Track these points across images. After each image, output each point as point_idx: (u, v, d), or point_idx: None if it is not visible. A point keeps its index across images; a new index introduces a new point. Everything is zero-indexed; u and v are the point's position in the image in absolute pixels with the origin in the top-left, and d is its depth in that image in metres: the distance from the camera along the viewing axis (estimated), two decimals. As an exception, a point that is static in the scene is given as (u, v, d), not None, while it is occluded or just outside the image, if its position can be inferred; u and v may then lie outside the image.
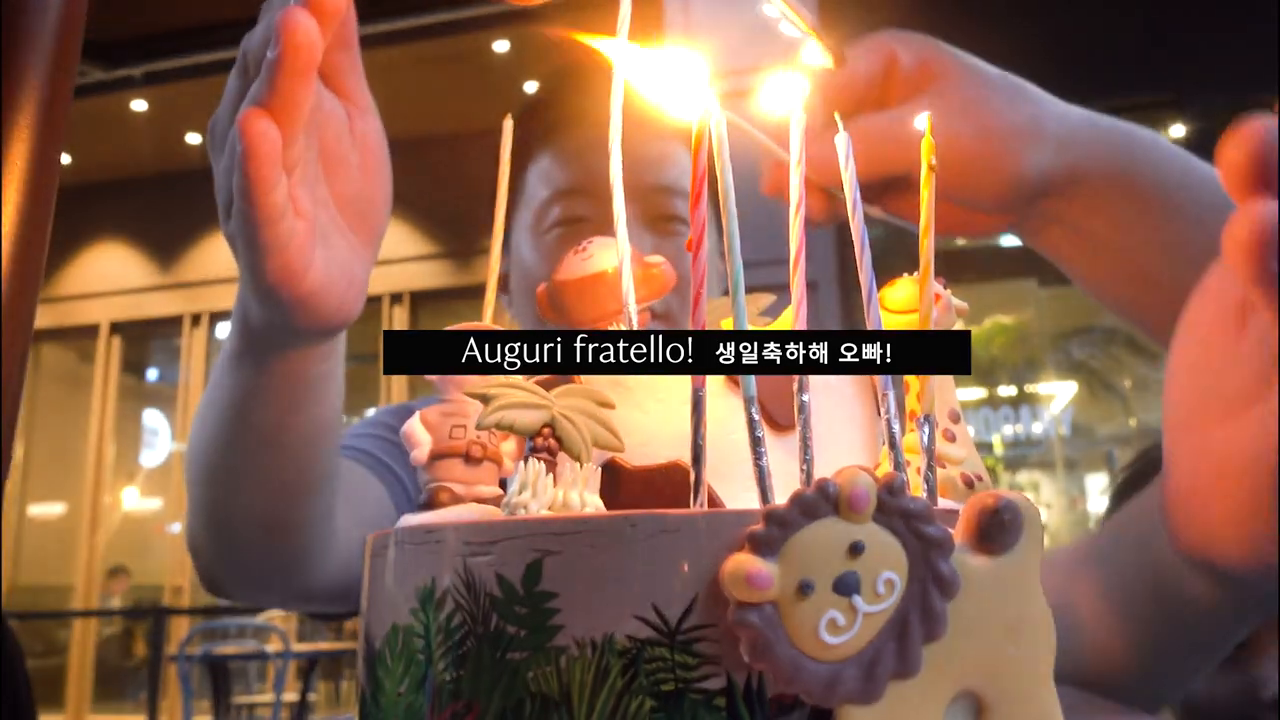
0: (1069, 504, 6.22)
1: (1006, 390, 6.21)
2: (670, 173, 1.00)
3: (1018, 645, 0.31)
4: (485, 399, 0.36)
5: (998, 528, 0.31)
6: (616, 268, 0.48)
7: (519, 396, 0.37)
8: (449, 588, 0.34)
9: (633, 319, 0.42)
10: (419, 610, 0.35)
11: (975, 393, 6.24)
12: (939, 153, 0.55)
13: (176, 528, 7.29)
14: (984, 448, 6.14)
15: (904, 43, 0.68)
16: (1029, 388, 6.26)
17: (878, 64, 0.67)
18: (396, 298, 7.04)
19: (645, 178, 0.98)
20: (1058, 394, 6.30)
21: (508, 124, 0.53)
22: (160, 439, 7.95)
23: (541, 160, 1.00)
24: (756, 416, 0.33)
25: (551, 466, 0.37)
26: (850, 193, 0.37)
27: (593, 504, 0.35)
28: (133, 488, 7.83)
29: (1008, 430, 6.13)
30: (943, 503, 0.37)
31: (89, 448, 7.49)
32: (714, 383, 0.40)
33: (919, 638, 0.30)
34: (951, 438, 0.41)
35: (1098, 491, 6.11)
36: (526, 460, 0.36)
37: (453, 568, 0.34)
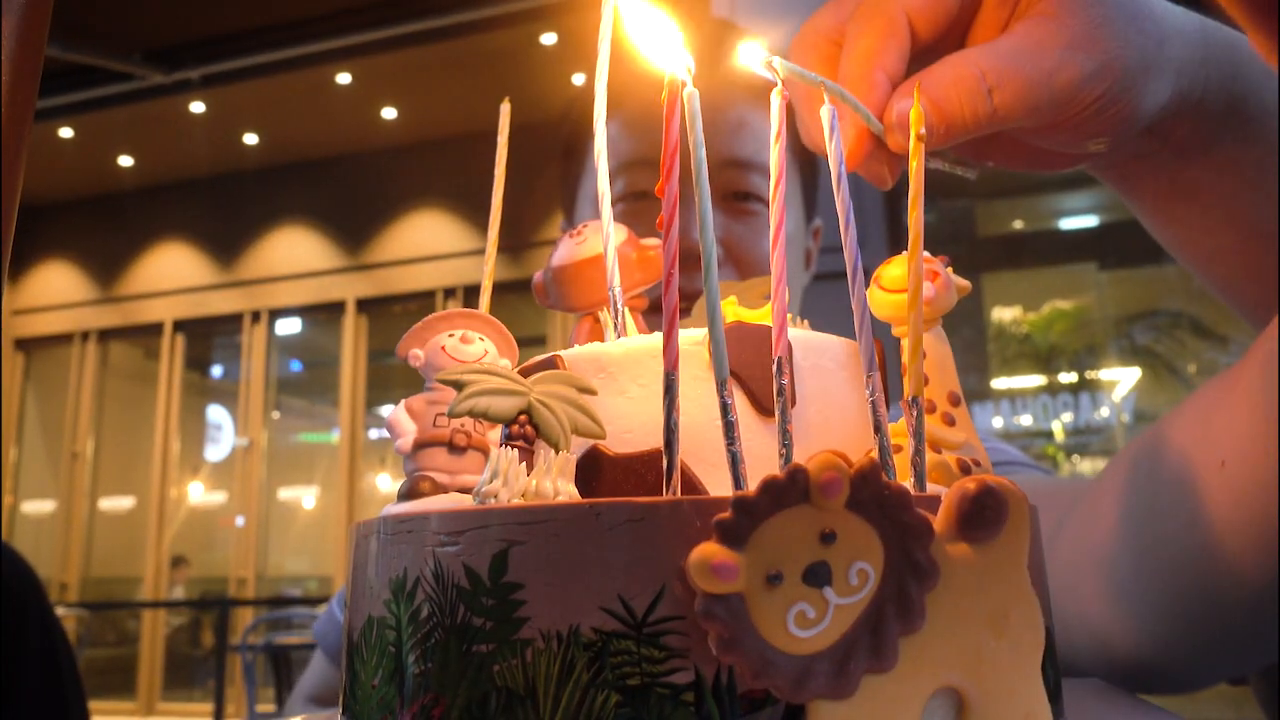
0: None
1: (1067, 377, 6.06)
2: (748, 145, 0.91)
3: (1001, 638, 0.30)
4: (459, 386, 0.36)
5: (979, 515, 0.29)
6: (614, 250, 0.47)
7: (494, 383, 0.36)
8: (419, 578, 0.33)
9: (618, 305, 0.41)
10: (391, 601, 0.34)
11: (1034, 380, 6.12)
12: (1042, 90, 0.50)
13: (241, 521, 7.46)
14: (1044, 435, 6.01)
15: None
16: (1090, 374, 6.11)
17: None
18: (450, 292, 7.11)
19: (718, 149, 0.88)
20: (1120, 380, 6.14)
21: (505, 108, 0.53)
22: (224, 434, 8.12)
23: (609, 130, 0.93)
24: (729, 400, 0.32)
25: (527, 454, 0.36)
26: (835, 166, 0.35)
27: (567, 492, 0.34)
28: (198, 482, 8.02)
29: (1068, 418, 5.99)
30: (934, 489, 0.35)
31: (155, 443, 7.69)
32: (701, 367, 0.39)
33: (895, 630, 0.29)
34: (950, 421, 0.39)
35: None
36: (501, 448, 0.35)
37: (423, 558, 0.33)
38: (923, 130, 0.35)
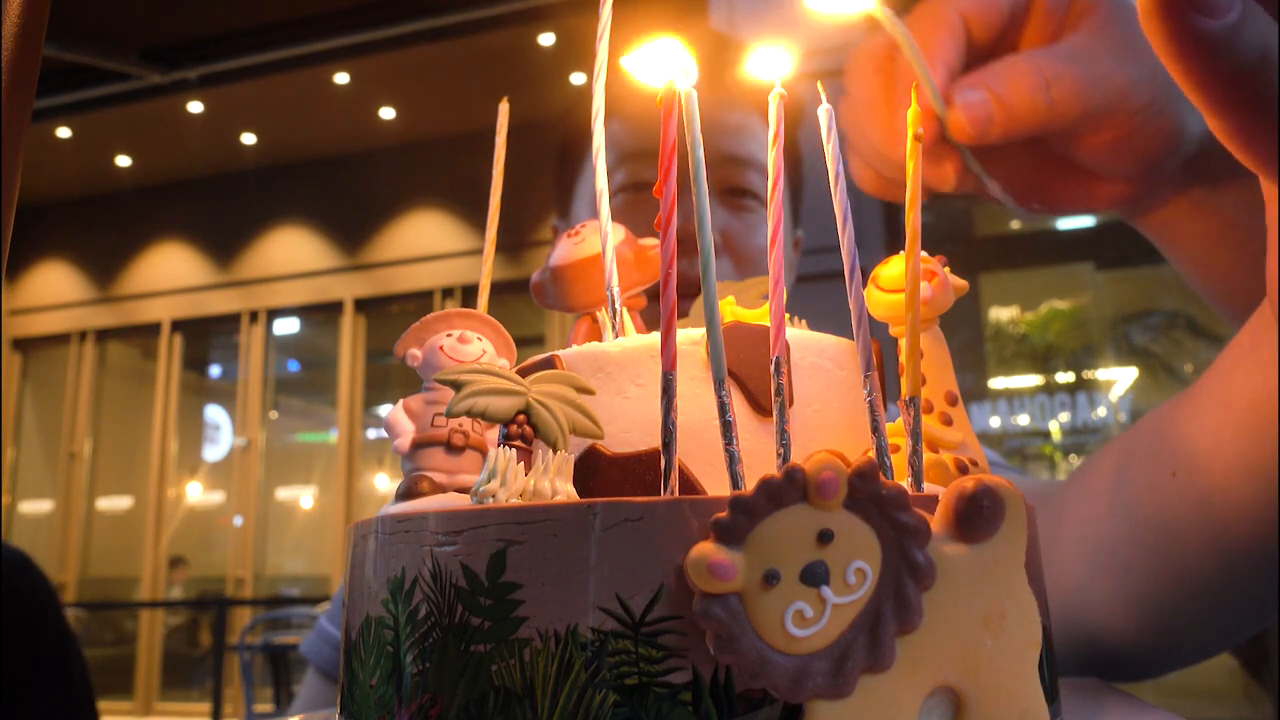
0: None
1: (1064, 376, 6.06)
2: (748, 144, 0.96)
3: (998, 638, 0.30)
4: (456, 385, 0.36)
5: (976, 514, 0.29)
6: (612, 250, 0.47)
7: (492, 382, 0.36)
8: (417, 578, 0.33)
9: (616, 305, 0.41)
10: (389, 601, 0.35)
11: (1032, 379, 6.12)
12: (1095, 90, 0.52)
13: (239, 520, 7.45)
14: (1041, 435, 6.01)
15: None
16: (1087, 373, 6.11)
17: None
18: (448, 292, 7.10)
19: (719, 147, 0.92)
20: (1118, 379, 6.14)
21: (503, 108, 0.53)
22: (222, 434, 8.10)
23: (610, 125, 0.94)
24: (726, 400, 0.32)
25: (525, 454, 0.36)
26: (832, 165, 0.36)
27: (565, 492, 0.34)
28: (195, 482, 8.01)
29: (1065, 417, 5.99)
30: (931, 488, 0.35)
31: (153, 443, 7.67)
32: (699, 367, 0.39)
33: (892, 630, 0.29)
34: (947, 421, 0.39)
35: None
36: (499, 448, 0.35)
37: (420, 558, 0.33)
38: (919, 130, 0.35)
